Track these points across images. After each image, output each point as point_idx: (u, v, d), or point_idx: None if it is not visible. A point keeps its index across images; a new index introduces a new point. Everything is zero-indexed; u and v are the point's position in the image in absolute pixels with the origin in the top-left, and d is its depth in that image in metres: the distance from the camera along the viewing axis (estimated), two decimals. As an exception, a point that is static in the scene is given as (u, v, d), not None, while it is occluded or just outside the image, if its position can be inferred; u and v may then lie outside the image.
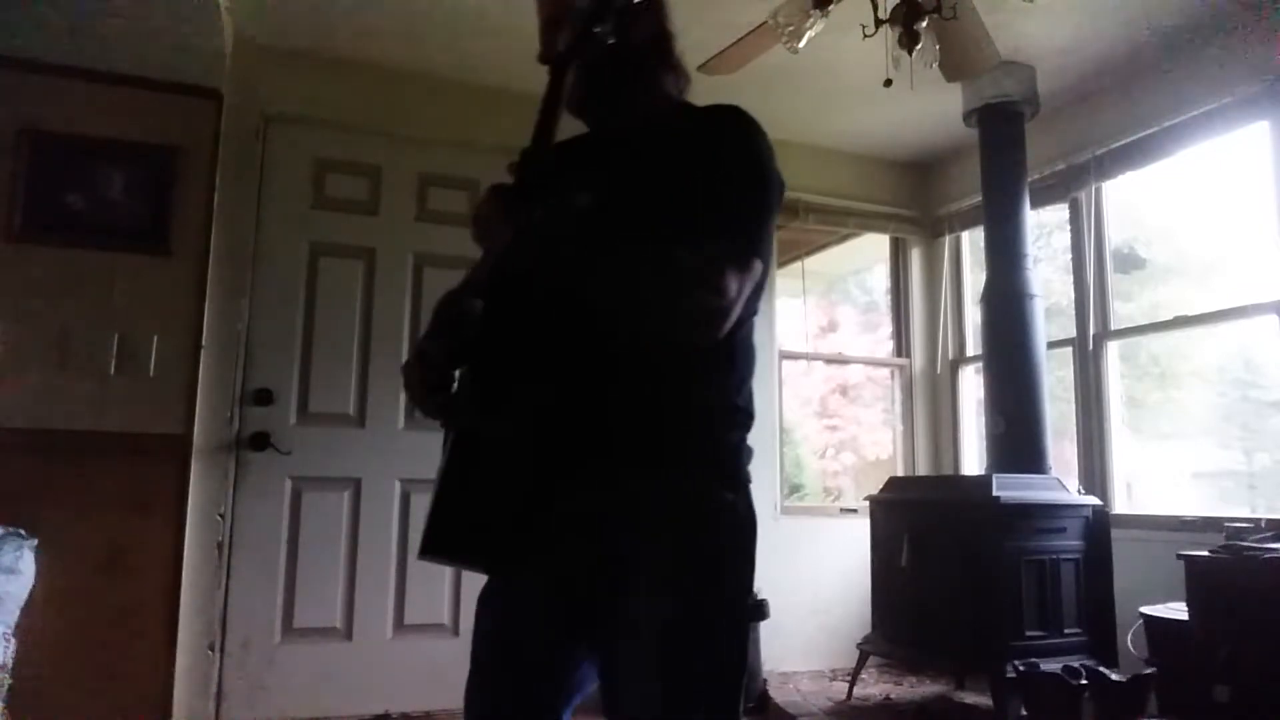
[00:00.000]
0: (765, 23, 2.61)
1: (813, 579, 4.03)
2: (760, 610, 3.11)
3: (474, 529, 1.10)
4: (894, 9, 2.53)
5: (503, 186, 1.09)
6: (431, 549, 1.10)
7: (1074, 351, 3.81)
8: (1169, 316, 3.64)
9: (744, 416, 1.19)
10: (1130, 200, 3.88)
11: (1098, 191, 3.79)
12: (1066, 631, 3.07)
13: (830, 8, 2.50)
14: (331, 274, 3.44)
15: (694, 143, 1.14)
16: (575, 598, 1.14)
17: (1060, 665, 2.85)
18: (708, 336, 1.06)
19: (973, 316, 4.46)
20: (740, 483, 1.16)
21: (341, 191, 3.50)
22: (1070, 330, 3.84)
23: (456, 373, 1.15)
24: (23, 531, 2.59)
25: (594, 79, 1.18)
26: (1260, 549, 2.56)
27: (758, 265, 1.08)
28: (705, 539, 1.11)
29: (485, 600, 1.23)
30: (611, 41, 1.11)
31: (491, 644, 1.20)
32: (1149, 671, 2.78)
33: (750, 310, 1.14)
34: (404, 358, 3.85)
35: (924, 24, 2.49)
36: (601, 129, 1.27)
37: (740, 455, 1.18)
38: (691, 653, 1.08)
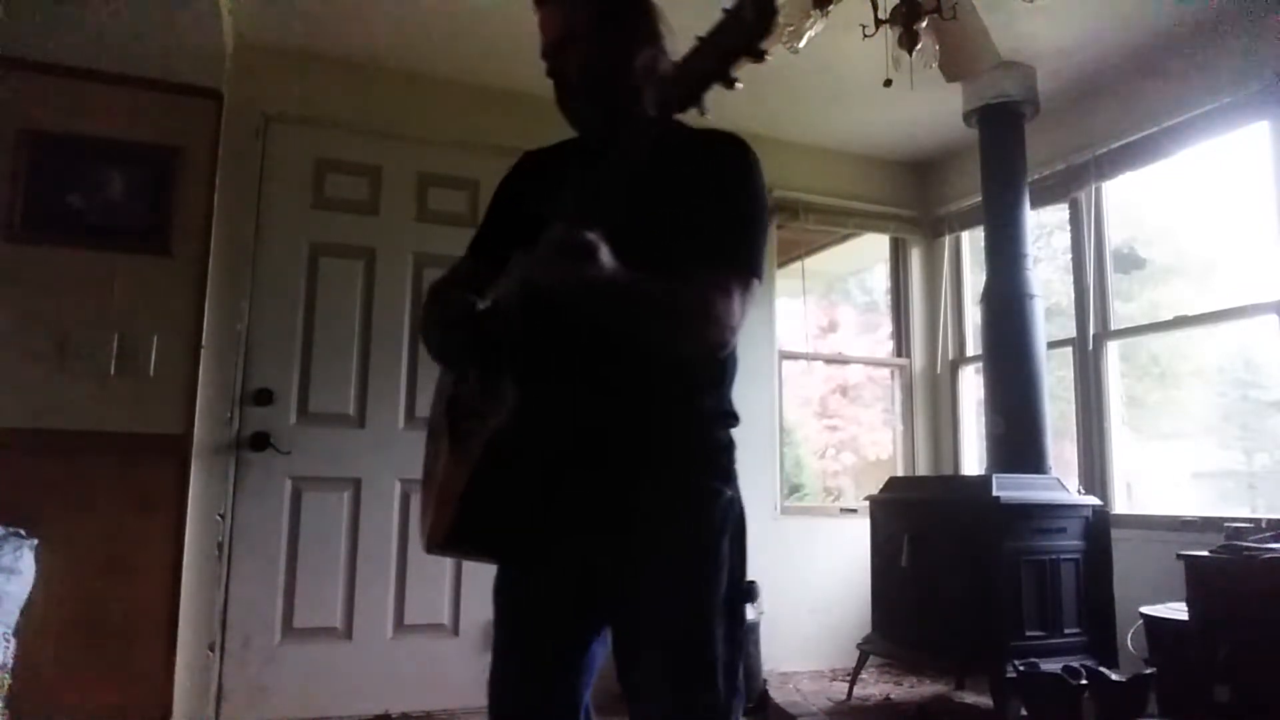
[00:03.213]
0: (765, 23, 2.61)
1: (813, 579, 4.02)
2: (751, 592, 3.27)
3: (498, 525, 1.24)
4: (894, 9, 2.53)
5: (563, 236, 1.09)
6: (453, 543, 1.24)
7: (1074, 351, 3.81)
8: (1169, 316, 3.64)
9: (732, 419, 1.33)
10: (1130, 200, 3.88)
11: (1098, 191, 3.79)
12: (1066, 631, 3.07)
13: (830, 8, 2.50)
14: (331, 274, 3.44)
15: (698, 170, 1.26)
16: (587, 586, 1.26)
17: (1060, 665, 2.85)
18: (720, 352, 1.24)
19: (973, 316, 4.45)
20: (732, 478, 1.30)
21: (341, 191, 3.50)
22: (1070, 330, 3.84)
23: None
24: (23, 531, 2.59)
25: (616, 100, 1.27)
26: (1260, 549, 2.56)
27: (756, 285, 1.24)
28: (707, 527, 1.24)
29: (501, 590, 1.34)
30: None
31: (511, 631, 1.31)
32: (1149, 671, 2.78)
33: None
34: (404, 358, 3.84)
35: (924, 24, 2.50)
36: (604, 147, 1.27)
37: (731, 453, 1.32)
38: (701, 629, 1.20)
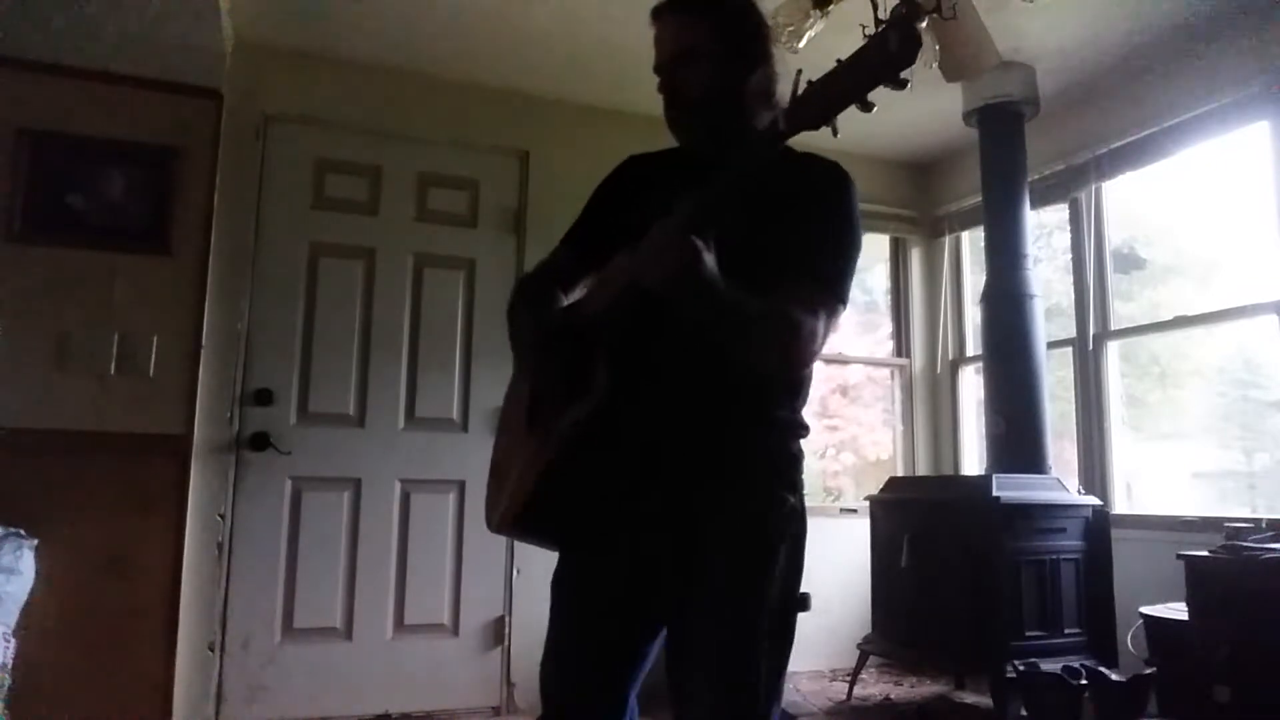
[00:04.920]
0: (765, 23, 2.61)
1: (812, 579, 4.01)
2: (805, 602, 3.12)
3: (569, 513, 1.29)
4: (894, 9, 2.53)
5: (671, 232, 1.11)
6: (521, 525, 1.29)
7: (1074, 351, 3.81)
8: (1169, 316, 3.64)
9: (804, 431, 1.37)
10: (1130, 200, 3.88)
11: (1098, 191, 3.79)
12: (1066, 631, 3.07)
13: (830, 8, 2.50)
14: (331, 274, 3.44)
15: (798, 193, 1.30)
16: (649, 584, 1.29)
17: (1060, 665, 2.86)
18: (798, 371, 1.31)
19: (973, 316, 4.45)
20: (798, 488, 1.33)
21: (341, 191, 3.50)
22: (1070, 330, 3.84)
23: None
24: (23, 531, 2.59)
25: (728, 118, 1.31)
26: (1260, 549, 2.56)
27: (841, 311, 1.29)
28: (766, 535, 1.28)
29: (563, 581, 1.35)
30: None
31: (569, 623, 1.33)
32: (1149, 671, 2.78)
33: None
34: (404, 358, 3.83)
35: (924, 24, 2.49)
36: (706, 158, 1.30)
37: (799, 465, 1.35)
38: (748, 635, 1.24)
